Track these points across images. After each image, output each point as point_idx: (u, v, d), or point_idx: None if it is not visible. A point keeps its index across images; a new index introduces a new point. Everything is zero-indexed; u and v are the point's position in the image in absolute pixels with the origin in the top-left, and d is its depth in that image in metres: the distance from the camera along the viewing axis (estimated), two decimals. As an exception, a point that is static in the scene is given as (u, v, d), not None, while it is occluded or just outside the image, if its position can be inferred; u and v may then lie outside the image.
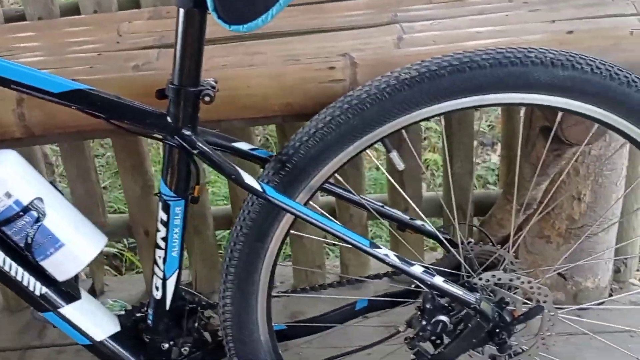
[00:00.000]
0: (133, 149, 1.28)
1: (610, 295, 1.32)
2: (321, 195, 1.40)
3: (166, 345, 0.90)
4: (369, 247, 0.81)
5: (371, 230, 1.79)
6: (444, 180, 1.21)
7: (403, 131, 0.83)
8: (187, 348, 0.91)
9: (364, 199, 0.96)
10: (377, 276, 1.00)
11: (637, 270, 1.48)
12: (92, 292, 1.45)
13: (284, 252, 1.70)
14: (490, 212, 1.25)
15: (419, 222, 0.97)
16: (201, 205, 1.35)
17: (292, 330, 0.99)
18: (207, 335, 0.96)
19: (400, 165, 0.84)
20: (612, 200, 1.19)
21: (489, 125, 2.23)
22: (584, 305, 1.23)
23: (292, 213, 0.81)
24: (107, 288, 1.46)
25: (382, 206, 0.97)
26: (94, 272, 1.44)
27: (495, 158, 2.06)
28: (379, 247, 0.82)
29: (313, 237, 1.26)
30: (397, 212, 0.98)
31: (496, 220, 1.22)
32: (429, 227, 0.96)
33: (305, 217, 0.80)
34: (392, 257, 0.82)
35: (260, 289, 0.88)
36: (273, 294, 0.91)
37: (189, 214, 1.32)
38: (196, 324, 0.92)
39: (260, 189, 0.79)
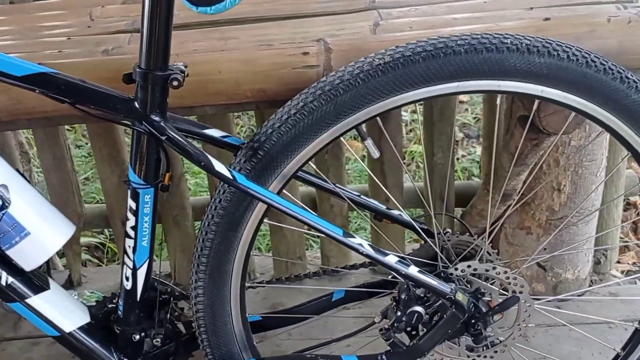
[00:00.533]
0: (109, 137, 1.26)
1: (590, 287, 1.32)
2: (300, 186, 1.39)
3: (137, 337, 0.88)
4: (342, 237, 0.80)
5: (356, 223, 1.78)
6: (424, 171, 1.19)
7: (378, 118, 0.81)
8: (159, 339, 0.89)
9: (339, 187, 0.94)
10: (353, 267, 0.99)
11: (618, 262, 1.48)
12: (69, 283, 1.43)
13: (267, 245, 1.68)
14: (471, 203, 1.24)
15: (395, 212, 0.95)
16: (180, 196, 1.33)
17: (268, 321, 0.98)
18: (180, 326, 0.94)
19: (375, 153, 0.83)
20: (592, 192, 1.18)
21: (475, 118, 2.23)
22: (561, 296, 1.23)
23: (264, 201, 0.79)
24: (85, 279, 1.45)
25: (359, 195, 0.96)
26: (70, 263, 1.43)
27: (480, 150, 2.05)
28: (353, 237, 0.81)
29: (293, 227, 1.25)
30: (373, 202, 0.96)
31: (477, 211, 1.22)
32: (406, 216, 0.94)
33: (277, 205, 0.78)
34: (366, 247, 0.81)
35: (233, 279, 0.86)
36: (247, 284, 0.90)
37: (168, 205, 1.34)
38: (169, 315, 0.91)
39: (230, 177, 0.77)
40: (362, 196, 0.96)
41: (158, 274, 1.43)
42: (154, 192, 0.81)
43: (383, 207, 0.96)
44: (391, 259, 0.81)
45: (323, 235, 0.81)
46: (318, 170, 0.94)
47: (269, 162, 0.80)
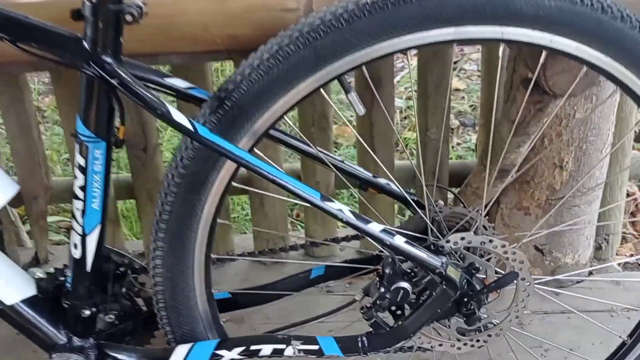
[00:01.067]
0: (77, 102, 1.16)
1: (590, 272, 1.24)
2: (287, 162, 1.30)
3: (87, 312, 0.79)
4: (319, 200, 0.71)
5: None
6: (417, 146, 1.11)
7: (364, 68, 0.72)
8: (112, 316, 0.80)
9: (322, 152, 0.84)
10: (334, 240, 0.90)
11: (616, 254, 1.41)
12: (36, 260, 1.36)
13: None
14: (466, 182, 1.16)
15: (383, 181, 0.86)
16: (154, 169, 1.25)
17: (239, 299, 0.88)
18: (140, 302, 0.84)
19: (361, 110, 0.74)
20: (596, 169, 1.10)
21: (471, 106, 2.18)
22: (562, 276, 1.14)
23: (230, 158, 0.69)
24: (52, 257, 1.38)
25: (342, 161, 0.86)
26: (37, 239, 1.35)
27: (475, 138, 1.99)
28: (332, 201, 0.71)
29: (274, 195, 1.15)
30: (358, 169, 0.87)
31: (472, 190, 1.13)
32: (395, 186, 0.85)
33: (246, 163, 0.69)
34: (347, 213, 0.71)
35: (197, 250, 0.77)
36: (214, 257, 0.80)
37: (142, 178, 1.24)
38: (124, 289, 0.81)
39: (191, 128, 0.67)
40: (346, 162, 0.86)
41: (131, 252, 1.35)
42: (106, 148, 0.71)
43: (369, 174, 0.87)
44: (374, 227, 0.72)
45: (299, 199, 0.71)
46: (301, 134, 0.84)
47: (238, 114, 0.70)
